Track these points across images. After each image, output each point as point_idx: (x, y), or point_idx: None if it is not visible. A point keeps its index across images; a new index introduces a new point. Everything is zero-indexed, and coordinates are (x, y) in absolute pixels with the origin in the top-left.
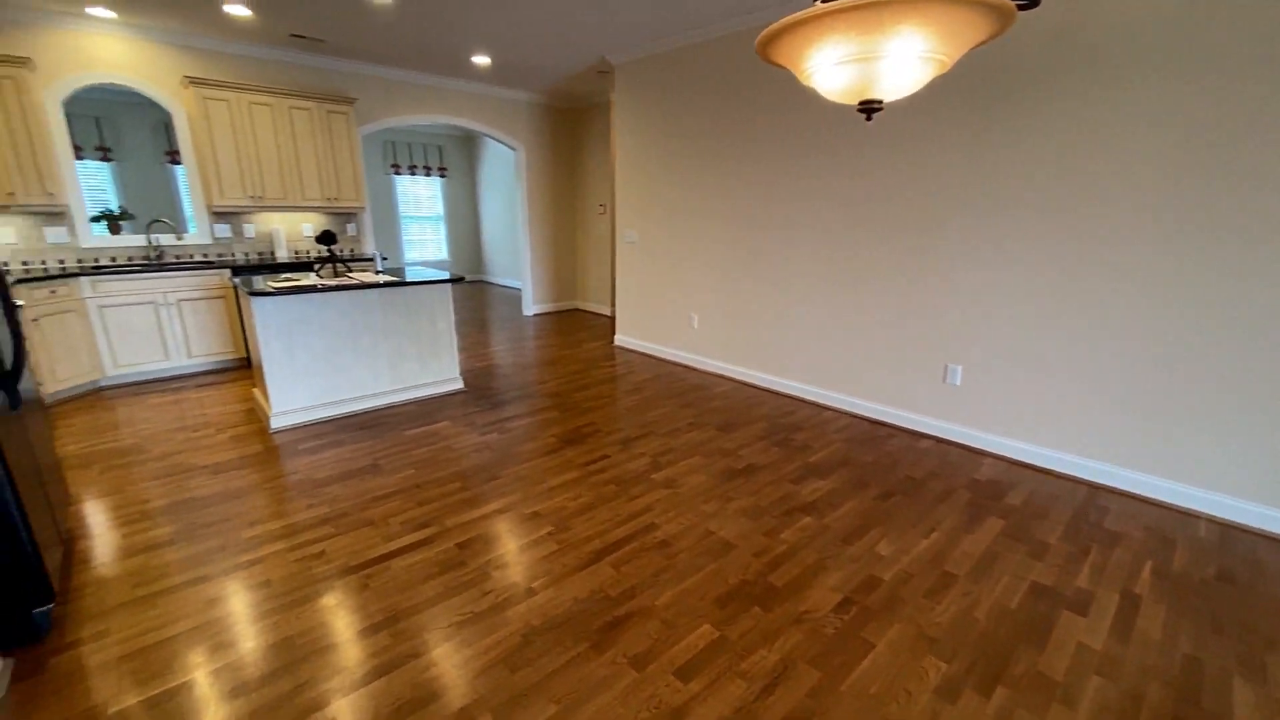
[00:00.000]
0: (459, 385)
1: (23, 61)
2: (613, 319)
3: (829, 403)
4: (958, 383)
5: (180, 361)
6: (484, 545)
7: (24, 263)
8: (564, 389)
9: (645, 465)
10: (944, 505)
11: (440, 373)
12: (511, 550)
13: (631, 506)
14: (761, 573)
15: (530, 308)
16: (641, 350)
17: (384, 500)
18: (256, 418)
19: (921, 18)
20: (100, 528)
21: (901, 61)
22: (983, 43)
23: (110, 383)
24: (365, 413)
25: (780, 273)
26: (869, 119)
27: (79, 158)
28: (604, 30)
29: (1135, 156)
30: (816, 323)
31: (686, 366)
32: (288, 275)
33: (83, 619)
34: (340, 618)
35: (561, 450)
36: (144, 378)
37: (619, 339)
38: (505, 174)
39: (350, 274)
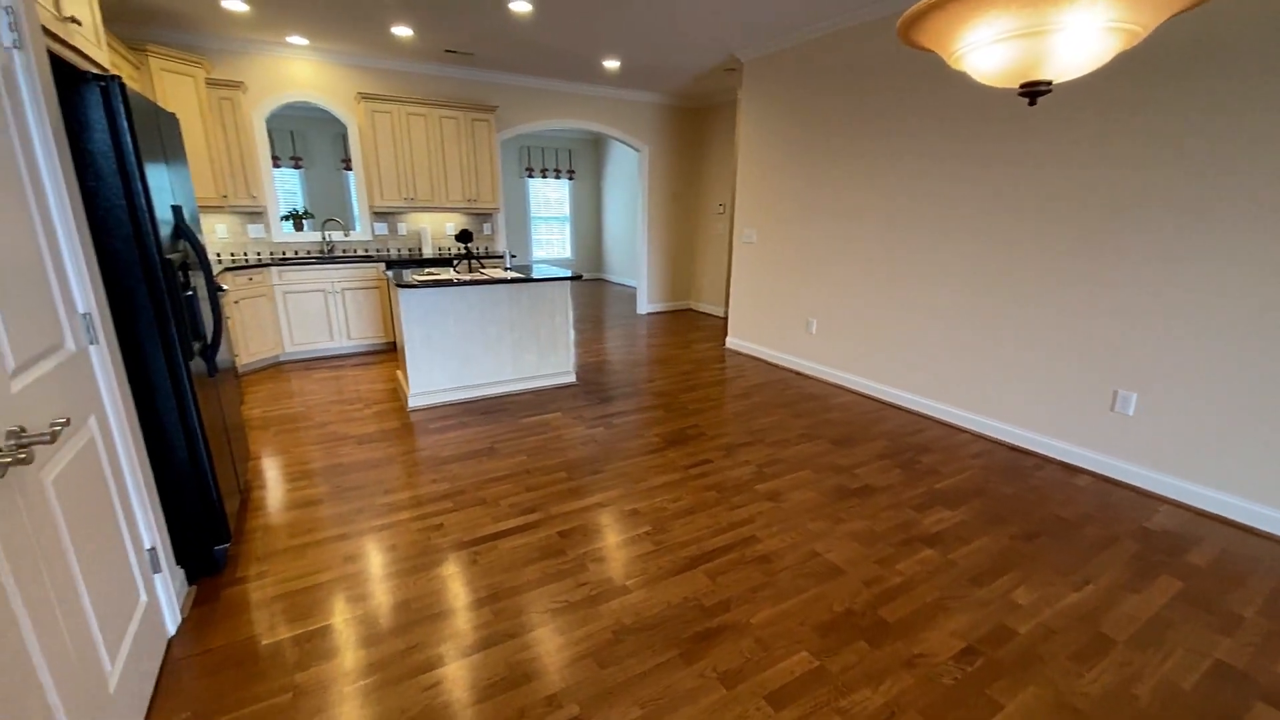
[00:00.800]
0: (572, 379)
1: (237, 84)
2: (725, 320)
3: (964, 423)
4: (1130, 412)
5: (342, 343)
6: (583, 536)
7: (231, 254)
8: (671, 389)
9: (749, 474)
10: (1103, 555)
11: (556, 366)
12: (609, 545)
13: (732, 516)
14: (871, 604)
15: (644, 306)
16: (754, 354)
17: (497, 482)
18: (397, 397)
19: None
20: (270, 482)
21: (1080, 34)
22: (1187, 9)
23: (287, 358)
24: (488, 399)
25: (913, 276)
26: (1032, 104)
27: (276, 166)
28: (736, 26)
29: None
30: (954, 332)
31: (801, 374)
32: (430, 270)
33: (250, 559)
34: (450, 589)
35: (664, 450)
36: (313, 355)
37: (730, 341)
38: (628, 175)
39: (483, 270)
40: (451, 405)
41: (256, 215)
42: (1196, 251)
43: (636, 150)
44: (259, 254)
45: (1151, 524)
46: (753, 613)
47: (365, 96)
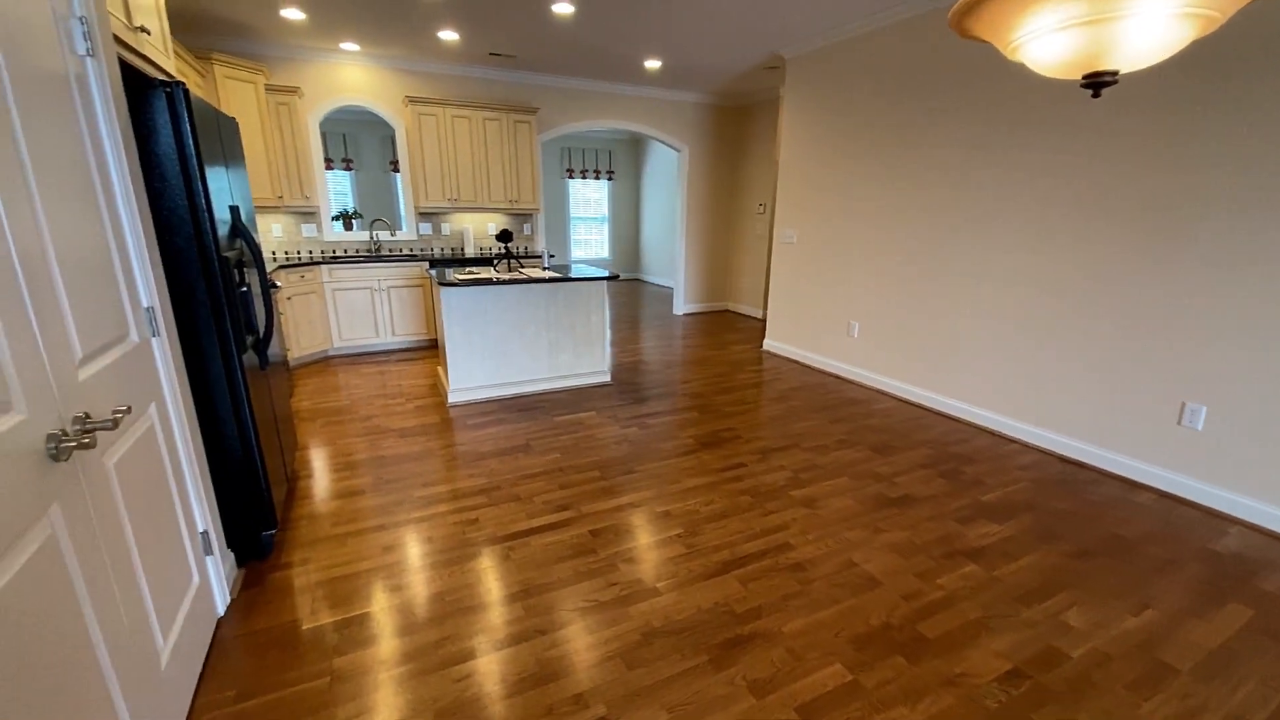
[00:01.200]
0: (607, 378)
1: (294, 90)
2: (763, 322)
3: (1013, 433)
4: (1199, 426)
5: (386, 339)
6: (615, 536)
7: (285, 253)
8: (706, 390)
9: (785, 480)
10: (1165, 577)
11: (591, 365)
12: (640, 546)
13: (766, 521)
14: (910, 618)
15: (681, 307)
16: (792, 357)
17: (532, 479)
18: (438, 392)
19: None
20: (316, 472)
21: (1151, 20)
22: None
23: (335, 353)
24: (524, 396)
25: (961, 278)
26: (1096, 95)
27: (329, 168)
28: (780, 22)
29: None
30: (1005, 337)
31: (841, 378)
32: (471, 269)
33: (295, 546)
34: (484, 583)
35: (698, 452)
36: (359, 350)
37: (768, 343)
38: (667, 176)
39: (522, 269)
40: (489, 402)
41: (309, 215)
42: (1275, 255)
43: (676, 150)
44: (310, 252)
45: (1220, 546)
46: (785, 621)
47: (412, 100)
